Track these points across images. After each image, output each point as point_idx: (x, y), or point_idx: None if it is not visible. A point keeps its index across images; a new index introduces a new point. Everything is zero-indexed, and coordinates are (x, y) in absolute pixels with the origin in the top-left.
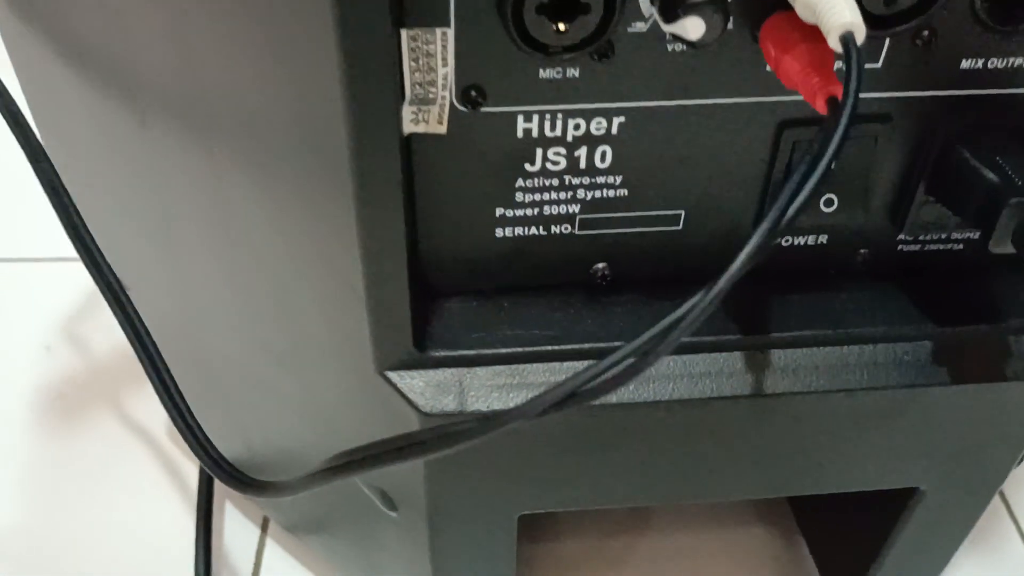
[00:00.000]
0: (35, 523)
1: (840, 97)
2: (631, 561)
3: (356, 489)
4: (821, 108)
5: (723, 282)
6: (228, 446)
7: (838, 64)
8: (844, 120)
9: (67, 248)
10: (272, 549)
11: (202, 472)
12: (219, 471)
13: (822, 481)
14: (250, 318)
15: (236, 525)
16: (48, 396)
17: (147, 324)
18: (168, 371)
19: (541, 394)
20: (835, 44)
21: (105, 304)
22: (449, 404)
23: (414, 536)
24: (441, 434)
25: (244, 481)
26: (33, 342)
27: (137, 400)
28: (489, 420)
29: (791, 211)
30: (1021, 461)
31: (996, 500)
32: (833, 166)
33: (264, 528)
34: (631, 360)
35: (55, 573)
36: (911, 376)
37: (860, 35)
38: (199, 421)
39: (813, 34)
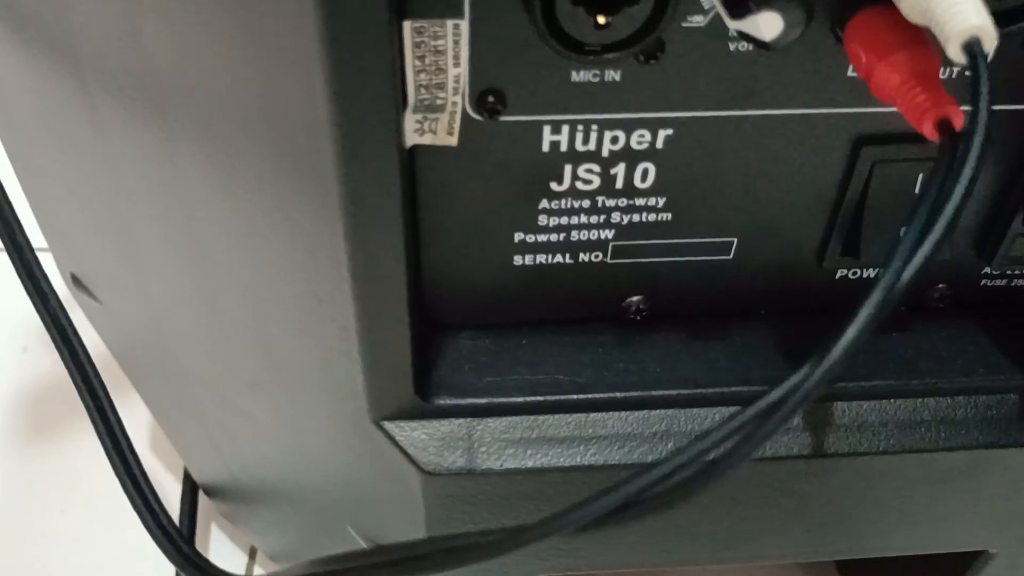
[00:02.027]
0: (6, 533)
1: (954, 121)
2: None
3: (351, 536)
4: (929, 133)
5: (828, 362)
6: (207, 469)
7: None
8: (974, 157)
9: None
10: None
11: (185, 492)
12: (186, 565)
13: (884, 545)
14: (225, 347)
15: (223, 550)
16: (23, 402)
17: (120, 340)
18: (122, 428)
19: (585, 501)
20: (956, 54)
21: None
22: (456, 461)
23: None
24: (449, 548)
25: None
26: (9, 342)
27: (118, 409)
28: (516, 534)
29: (908, 273)
30: None
31: None
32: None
33: (252, 556)
34: (707, 460)
35: None
36: (995, 435)
37: (989, 43)
38: (179, 443)
39: (915, 36)
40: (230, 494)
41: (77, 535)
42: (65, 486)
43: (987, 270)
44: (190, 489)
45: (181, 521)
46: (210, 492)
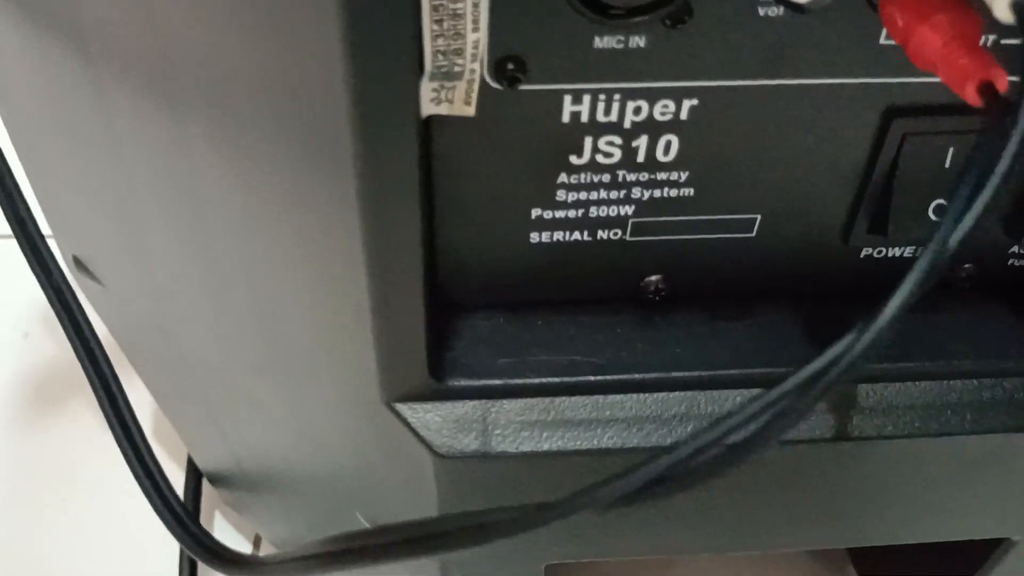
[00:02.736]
0: (6, 526)
1: (998, 84)
2: None
3: (360, 523)
4: (972, 98)
5: (874, 330)
6: (212, 456)
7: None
8: (998, 175)
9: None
10: None
11: (188, 479)
12: (193, 544)
13: (906, 532)
14: (232, 329)
15: (227, 539)
16: (25, 388)
17: (123, 324)
18: (133, 417)
19: (613, 479)
20: (1004, 14)
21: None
22: (470, 444)
23: None
24: (472, 525)
25: (224, 557)
26: (9, 328)
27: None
28: (539, 512)
29: (955, 238)
30: None
31: None
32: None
33: (256, 544)
34: (744, 433)
35: None
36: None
37: None
38: (183, 430)
39: None
40: (235, 481)
41: (79, 527)
42: (67, 476)
43: (1015, 249)
44: (194, 476)
45: (186, 503)
46: (214, 480)
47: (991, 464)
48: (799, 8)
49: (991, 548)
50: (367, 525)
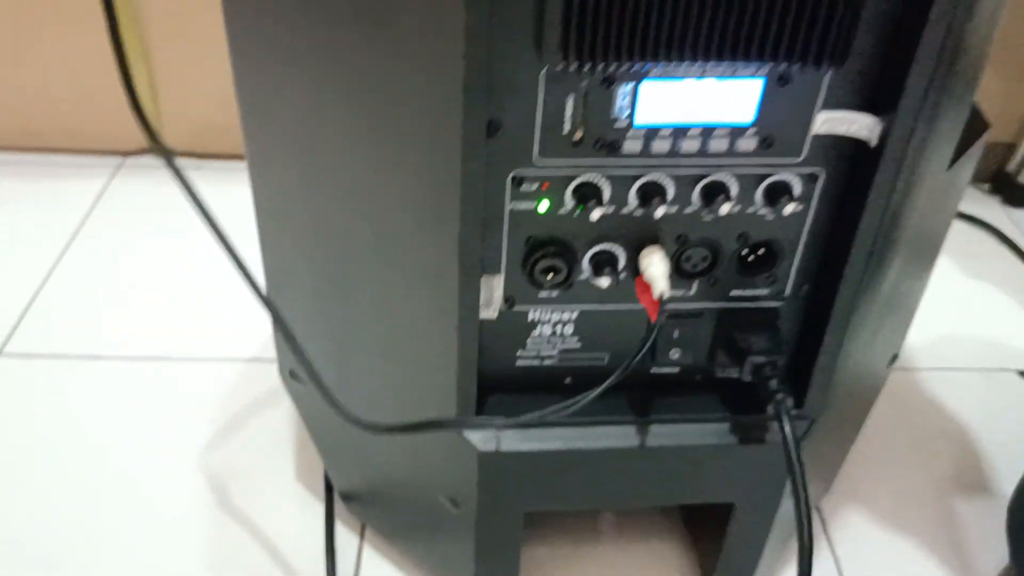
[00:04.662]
0: (209, 503)
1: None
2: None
3: (435, 500)
4: (653, 319)
5: (593, 393)
6: (348, 476)
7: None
8: (649, 342)
9: (228, 348)
10: (368, 551)
11: (327, 492)
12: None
13: (681, 496)
14: (381, 398)
15: (339, 530)
16: (207, 440)
17: (314, 412)
18: None
19: (533, 415)
20: (657, 298)
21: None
22: (491, 447)
23: (466, 526)
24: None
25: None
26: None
27: (273, 429)
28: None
29: (622, 375)
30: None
31: (818, 528)
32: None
33: (362, 535)
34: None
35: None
36: (719, 439)
37: (667, 295)
38: (331, 462)
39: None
40: (360, 492)
41: (251, 514)
42: (245, 481)
43: (716, 368)
44: (328, 496)
45: (327, 526)
46: (345, 496)
47: (710, 460)
48: (603, 288)
49: (730, 512)
50: (443, 500)
